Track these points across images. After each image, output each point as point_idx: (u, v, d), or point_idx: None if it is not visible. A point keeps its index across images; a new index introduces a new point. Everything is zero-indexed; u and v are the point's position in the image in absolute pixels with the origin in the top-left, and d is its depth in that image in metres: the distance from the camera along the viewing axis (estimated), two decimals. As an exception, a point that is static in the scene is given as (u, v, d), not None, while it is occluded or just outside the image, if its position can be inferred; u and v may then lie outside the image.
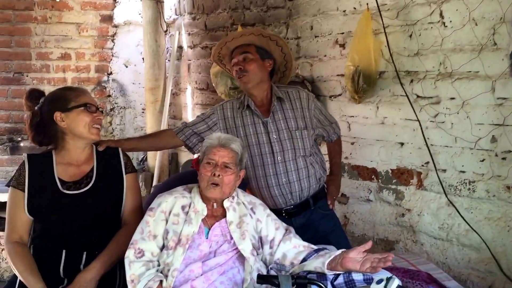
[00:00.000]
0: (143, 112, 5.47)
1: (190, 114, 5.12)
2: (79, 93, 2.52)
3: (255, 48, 2.83)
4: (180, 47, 5.20)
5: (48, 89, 5.38)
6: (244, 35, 2.84)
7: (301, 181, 2.82)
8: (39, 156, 2.58)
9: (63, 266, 2.42)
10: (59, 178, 2.48)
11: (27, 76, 5.34)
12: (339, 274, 2.23)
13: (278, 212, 2.73)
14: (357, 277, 2.21)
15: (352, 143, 3.59)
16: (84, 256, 2.44)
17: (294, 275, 2.01)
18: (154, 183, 4.87)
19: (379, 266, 2.12)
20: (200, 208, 2.38)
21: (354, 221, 3.66)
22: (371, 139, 3.47)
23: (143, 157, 5.42)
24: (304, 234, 2.61)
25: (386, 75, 3.31)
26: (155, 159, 5.02)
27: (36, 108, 2.51)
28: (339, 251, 2.26)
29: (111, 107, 5.54)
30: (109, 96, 5.52)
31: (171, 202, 2.40)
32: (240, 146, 2.48)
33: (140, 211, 2.57)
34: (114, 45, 5.47)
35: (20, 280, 2.41)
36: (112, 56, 5.49)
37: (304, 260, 2.34)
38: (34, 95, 2.55)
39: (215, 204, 2.41)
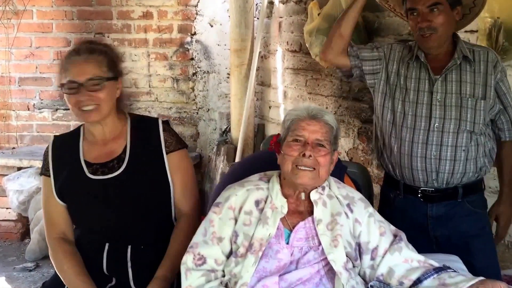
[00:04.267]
0: (228, 77, 4.95)
1: (279, 80, 4.53)
2: (67, 65, 2.05)
3: None
4: (271, 3, 4.60)
5: (128, 51, 5.12)
6: None
7: (456, 163, 2.26)
8: (66, 135, 2.29)
9: (106, 261, 2.08)
10: (85, 160, 2.11)
11: (108, 37, 4.98)
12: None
13: (413, 190, 2.29)
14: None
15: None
16: (129, 250, 2.08)
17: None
18: (237, 157, 4.37)
19: None
20: (279, 204, 1.82)
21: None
22: None
23: (227, 127, 4.95)
24: (439, 228, 2.26)
25: (534, 30, 2.59)
26: (239, 130, 4.51)
27: None
28: (472, 281, 1.66)
29: (194, 71, 5.05)
30: (192, 59, 5.03)
31: (242, 196, 1.86)
32: (335, 120, 1.90)
33: (193, 194, 2.22)
34: (198, 2, 4.94)
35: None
36: (196, 14, 4.97)
37: (418, 281, 1.75)
38: None
39: (302, 194, 1.85)
